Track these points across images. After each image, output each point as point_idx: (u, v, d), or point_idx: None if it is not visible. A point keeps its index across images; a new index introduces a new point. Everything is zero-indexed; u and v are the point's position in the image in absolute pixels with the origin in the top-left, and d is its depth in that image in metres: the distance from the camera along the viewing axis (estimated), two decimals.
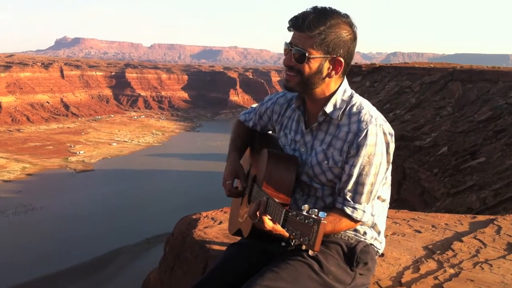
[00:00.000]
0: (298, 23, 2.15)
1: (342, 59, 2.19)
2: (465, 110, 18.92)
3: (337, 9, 2.21)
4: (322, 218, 1.79)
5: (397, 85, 26.56)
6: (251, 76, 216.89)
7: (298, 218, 1.84)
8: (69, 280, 50.69)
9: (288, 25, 2.21)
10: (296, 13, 2.20)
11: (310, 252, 1.83)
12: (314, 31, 2.12)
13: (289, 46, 2.21)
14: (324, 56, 2.17)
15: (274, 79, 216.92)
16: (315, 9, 2.17)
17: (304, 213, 1.83)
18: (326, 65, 2.19)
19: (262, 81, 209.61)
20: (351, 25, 2.19)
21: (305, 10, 2.18)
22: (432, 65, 28.04)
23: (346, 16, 2.19)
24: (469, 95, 19.75)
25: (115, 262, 56.90)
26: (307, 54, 2.15)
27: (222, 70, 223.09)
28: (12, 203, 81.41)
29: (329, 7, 2.19)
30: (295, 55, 2.18)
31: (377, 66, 32.54)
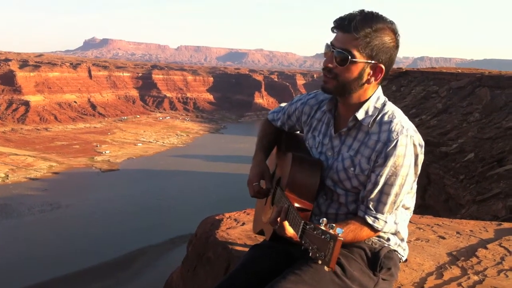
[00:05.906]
0: (344, 24, 2.10)
1: (383, 66, 2.17)
2: (492, 117, 18.65)
3: (383, 15, 2.17)
4: (339, 234, 1.72)
5: (424, 90, 26.30)
6: (276, 79, 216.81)
7: (315, 232, 1.79)
8: (94, 278, 51.19)
9: (332, 26, 2.16)
10: (341, 14, 2.16)
11: (326, 268, 1.76)
12: (359, 33, 2.08)
13: (331, 48, 2.16)
14: (367, 61, 2.13)
15: (299, 82, 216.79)
16: (361, 12, 2.12)
17: (322, 227, 1.77)
18: (367, 70, 2.16)
19: (287, 84, 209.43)
20: (395, 32, 2.16)
21: (351, 12, 2.13)
22: (459, 70, 27.64)
23: (391, 23, 2.15)
24: (497, 101, 19.47)
25: (139, 261, 57.30)
26: (350, 57, 2.11)
27: (247, 72, 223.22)
28: (38, 201, 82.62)
29: (376, 12, 2.15)
30: (337, 58, 2.13)
31: (404, 70, 32.20)
